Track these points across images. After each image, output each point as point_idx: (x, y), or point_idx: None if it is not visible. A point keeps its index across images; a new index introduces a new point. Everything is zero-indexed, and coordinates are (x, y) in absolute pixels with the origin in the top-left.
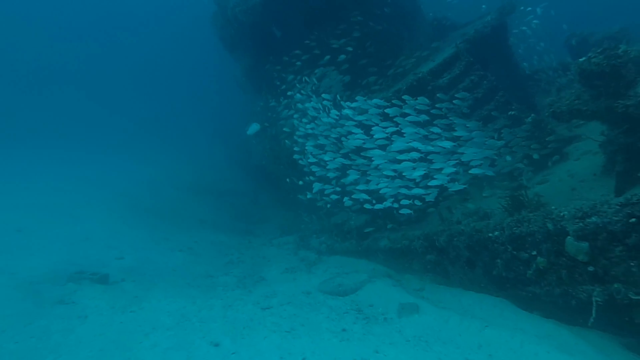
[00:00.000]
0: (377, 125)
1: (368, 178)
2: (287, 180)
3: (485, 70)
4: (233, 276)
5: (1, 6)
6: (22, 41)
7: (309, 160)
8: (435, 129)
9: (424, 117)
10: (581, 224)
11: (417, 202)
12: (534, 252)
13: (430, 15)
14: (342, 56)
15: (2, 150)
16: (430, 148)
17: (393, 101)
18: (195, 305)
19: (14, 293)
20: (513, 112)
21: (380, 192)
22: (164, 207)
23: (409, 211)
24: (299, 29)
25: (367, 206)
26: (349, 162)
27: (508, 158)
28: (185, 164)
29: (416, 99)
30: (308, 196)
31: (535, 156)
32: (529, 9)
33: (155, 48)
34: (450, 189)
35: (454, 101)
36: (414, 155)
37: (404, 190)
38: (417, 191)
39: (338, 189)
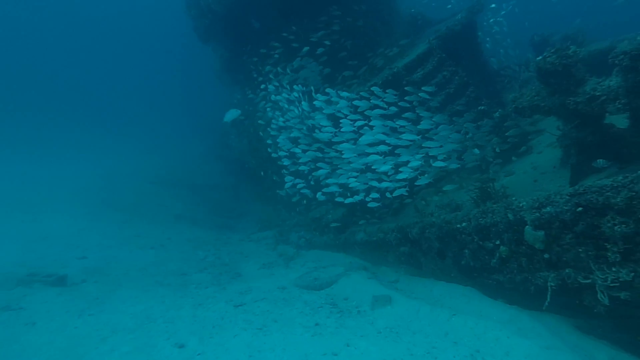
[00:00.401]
0: (346, 117)
1: (338, 172)
2: (262, 173)
3: (456, 67)
4: (208, 273)
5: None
6: None
7: (279, 154)
8: (402, 122)
9: (393, 109)
10: (537, 214)
11: (388, 195)
12: (497, 242)
13: (407, 12)
14: (321, 49)
15: None
16: (396, 141)
17: (361, 94)
18: (164, 305)
19: None
20: (483, 107)
21: (349, 185)
22: (137, 202)
23: (377, 204)
24: (276, 21)
25: (338, 199)
26: (320, 155)
27: (476, 151)
28: (162, 157)
29: (385, 92)
30: (282, 193)
31: (497, 149)
32: (493, 5)
33: (130, 39)
34: (416, 183)
35: (419, 94)
36: (383, 148)
37: (374, 183)
38: (386, 184)
39: (312, 182)
